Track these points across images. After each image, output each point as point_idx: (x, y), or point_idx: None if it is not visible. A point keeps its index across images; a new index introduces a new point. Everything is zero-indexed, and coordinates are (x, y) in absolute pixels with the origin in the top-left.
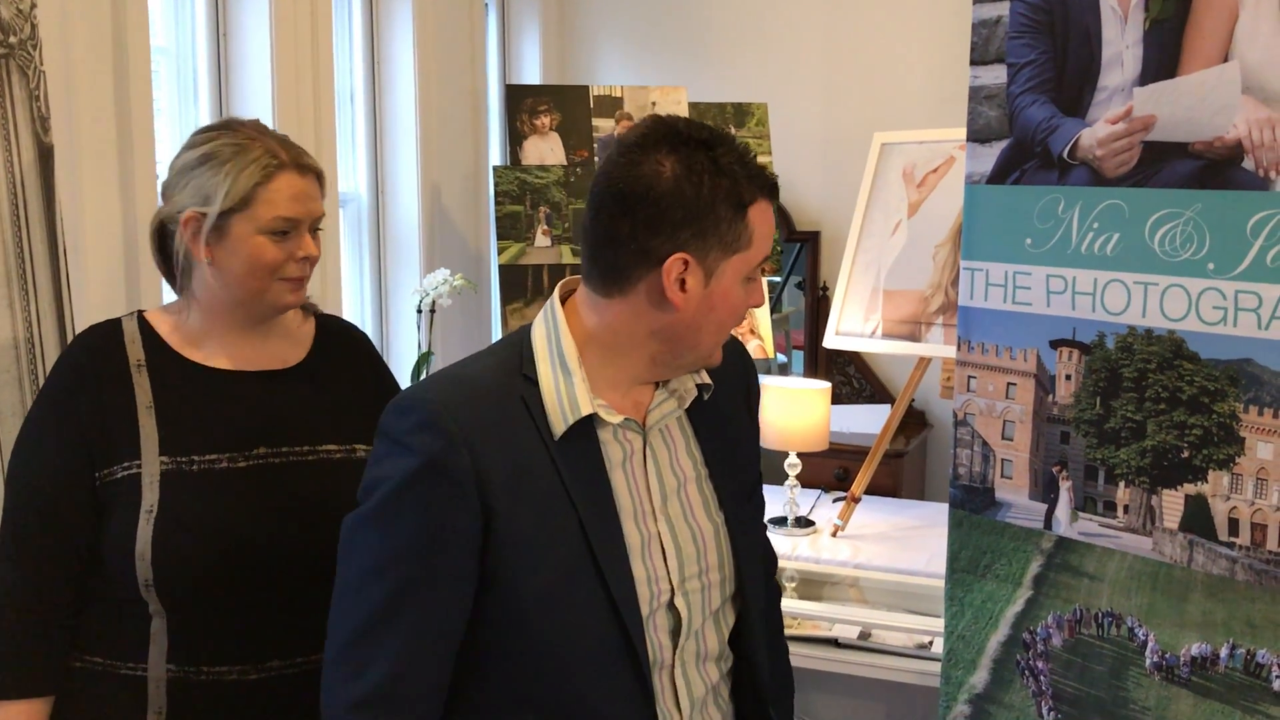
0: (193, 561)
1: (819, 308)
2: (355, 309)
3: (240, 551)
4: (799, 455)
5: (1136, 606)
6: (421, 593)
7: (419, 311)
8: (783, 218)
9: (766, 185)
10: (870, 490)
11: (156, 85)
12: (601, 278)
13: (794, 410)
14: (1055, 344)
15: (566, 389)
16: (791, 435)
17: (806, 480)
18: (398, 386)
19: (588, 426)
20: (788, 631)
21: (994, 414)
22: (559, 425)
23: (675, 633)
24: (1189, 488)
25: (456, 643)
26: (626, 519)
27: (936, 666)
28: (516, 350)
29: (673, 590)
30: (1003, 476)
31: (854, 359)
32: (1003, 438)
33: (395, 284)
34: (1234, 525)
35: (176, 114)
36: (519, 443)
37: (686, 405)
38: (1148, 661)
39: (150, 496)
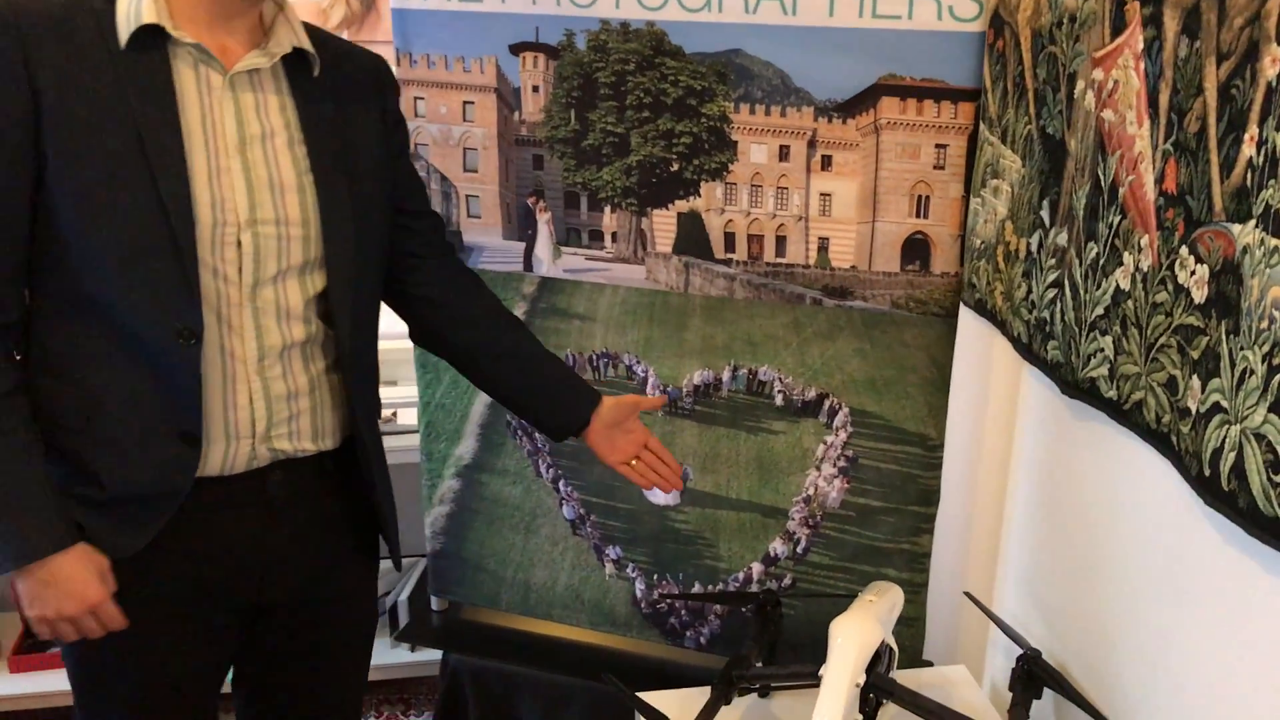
0: None
1: None
2: None
3: None
4: None
5: (633, 342)
6: None
7: None
8: None
9: None
10: None
11: None
12: None
13: None
14: (516, 49)
15: (137, 5)
16: None
17: None
18: None
19: (160, 45)
20: None
21: (451, 142)
22: (124, 34)
23: (242, 270)
24: (681, 205)
25: (21, 226)
26: (196, 146)
27: (409, 440)
28: None
29: (239, 226)
30: (470, 216)
31: None
32: (465, 170)
33: None
34: (730, 240)
35: None
36: (83, 48)
37: (275, 60)
38: None
39: None
